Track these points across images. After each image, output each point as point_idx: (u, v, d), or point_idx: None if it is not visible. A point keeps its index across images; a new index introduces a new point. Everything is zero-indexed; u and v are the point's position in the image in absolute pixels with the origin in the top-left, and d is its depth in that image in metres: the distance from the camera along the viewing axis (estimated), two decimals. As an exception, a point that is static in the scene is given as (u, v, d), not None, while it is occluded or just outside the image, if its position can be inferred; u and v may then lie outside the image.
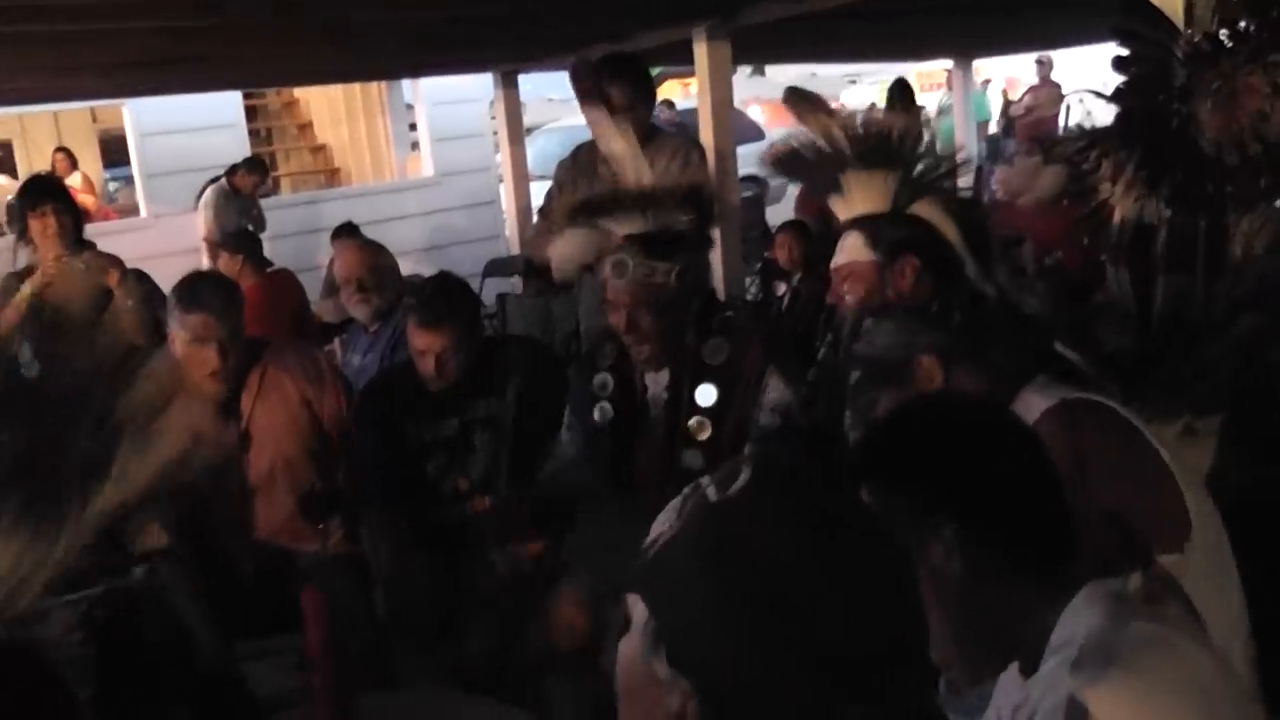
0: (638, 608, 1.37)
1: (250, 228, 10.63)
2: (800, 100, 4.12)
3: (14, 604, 1.09)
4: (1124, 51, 4.09)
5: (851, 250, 3.64)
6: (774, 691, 1.25)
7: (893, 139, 3.74)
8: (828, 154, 3.78)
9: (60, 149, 16.11)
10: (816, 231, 9.29)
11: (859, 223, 3.67)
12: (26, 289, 5.44)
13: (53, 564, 1.11)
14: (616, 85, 5.67)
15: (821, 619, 1.25)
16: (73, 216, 5.91)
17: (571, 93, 6.10)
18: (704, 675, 1.28)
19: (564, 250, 4.10)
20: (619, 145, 4.07)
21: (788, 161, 4.01)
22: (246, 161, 11.60)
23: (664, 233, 3.83)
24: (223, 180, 11.34)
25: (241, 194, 11.35)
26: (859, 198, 3.70)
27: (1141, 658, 1.73)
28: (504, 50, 8.47)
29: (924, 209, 3.68)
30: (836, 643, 1.26)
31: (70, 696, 1.20)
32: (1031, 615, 1.86)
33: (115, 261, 6.04)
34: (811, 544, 1.29)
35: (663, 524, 1.37)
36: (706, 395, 3.80)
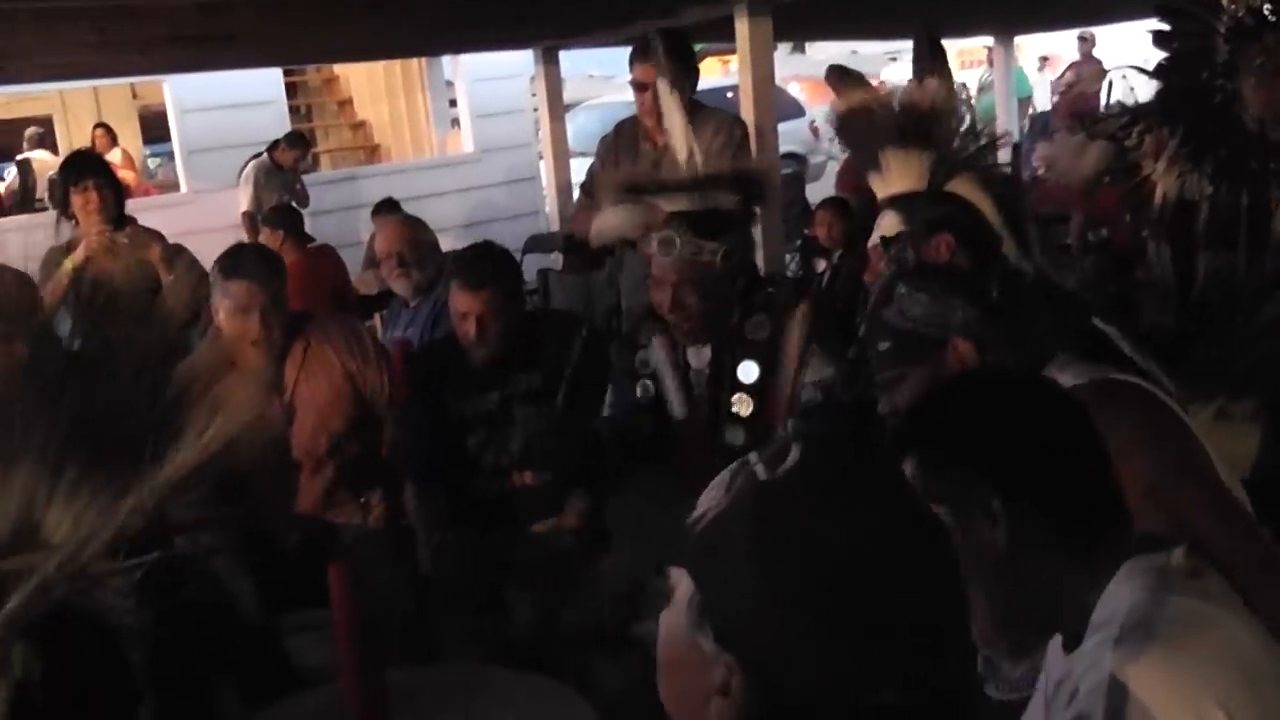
0: (682, 582, 1.37)
1: (293, 203, 10.64)
2: (842, 77, 4.11)
3: (75, 564, 1.10)
4: (1166, 27, 4.07)
5: (888, 229, 3.63)
6: (819, 668, 1.26)
7: (930, 116, 3.72)
8: (873, 130, 3.77)
9: (100, 125, 16.16)
10: (857, 208, 9.27)
11: (896, 201, 3.66)
12: (68, 264, 5.48)
13: (114, 528, 1.11)
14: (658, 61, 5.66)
15: (868, 598, 1.26)
16: (114, 192, 5.93)
17: (613, 69, 6.10)
18: (750, 651, 1.29)
19: (609, 223, 4.10)
20: (676, 121, 4.08)
21: (853, 128, 3.96)
22: (288, 136, 11.58)
23: (712, 212, 3.83)
24: (264, 155, 11.35)
25: (284, 169, 11.35)
26: (897, 176, 3.68)
27: (1183, 634, 1.72)
28: (545, 26, 8.45)
29: (961, 186, 3.66)
30: (882, 621, 1.26)
31: (126, 662, 1.21)
32: (1075, 590, 1.84)
33: (156, 236, 6.08)
34: (860, 524, 1.29)
35: (710, 500, 1.38)
36: (749, 372, 3.81)
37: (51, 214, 6.45)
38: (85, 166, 6.18)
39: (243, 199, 11.07)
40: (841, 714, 1.26)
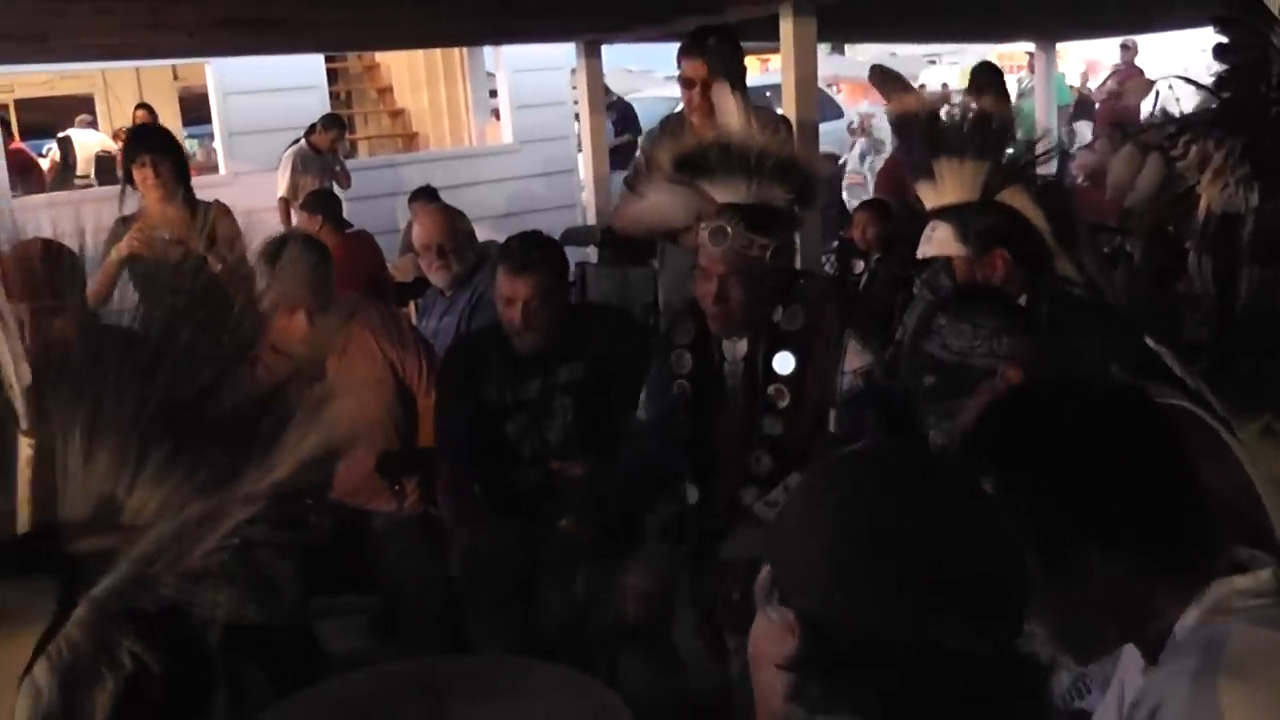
0: (763, 579, 1.43)
1: (334, 185, 10.67)
2: (884, 78, 4.09)
3: (171, 553, 1.10)
4: (1224, 39, 4.04)
5: (941, 242, 3.60)
6: (873, 609, 1.31)
7: (988, 128, 3.70)
8: (926, 137, 3.74)
9: (141, 105, 16.24)
10: (896, 211, 9.24)
11: (948, 213, 3.62)
12: (114, 254, 5.49)
13: (207, 519, 1.11)
14: (704, 58, 5.65)
15: (920, 546, 1.33)
16: (172, 165, 5.91)
17: (649, 65, 6.09)
18: (805, 598, 1.35)
19: (657, 206, 4.10)
20: (735, 117, 4.07)
21: (908, 132, 3.92)
22: (324, 119, 11.58)
23: (766, 206, 3.83)
24: (301, 141, 11.38)
25: (321, 152, 11.37)
26: (950, 186, 3.65)
27: (1269, 660, 1.69)
28: (589, 19, 8.44)
29: (1012, 197, 3.63)
30: (934, 567, 1.32)
31: (207, 650, 1.23)
32: (1158, 609, 1.80)
33: (225, 211, 6.14)
34: (912, 484, 1.38)
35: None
36: (784, 363, 3.80)
37: (92, 189, 6.52)
38: (141, 142, 6.24)
39: (280, 184, 11.10)
40: (900, 654, 1.30)
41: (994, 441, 1.91)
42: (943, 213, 3.64)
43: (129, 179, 5.93)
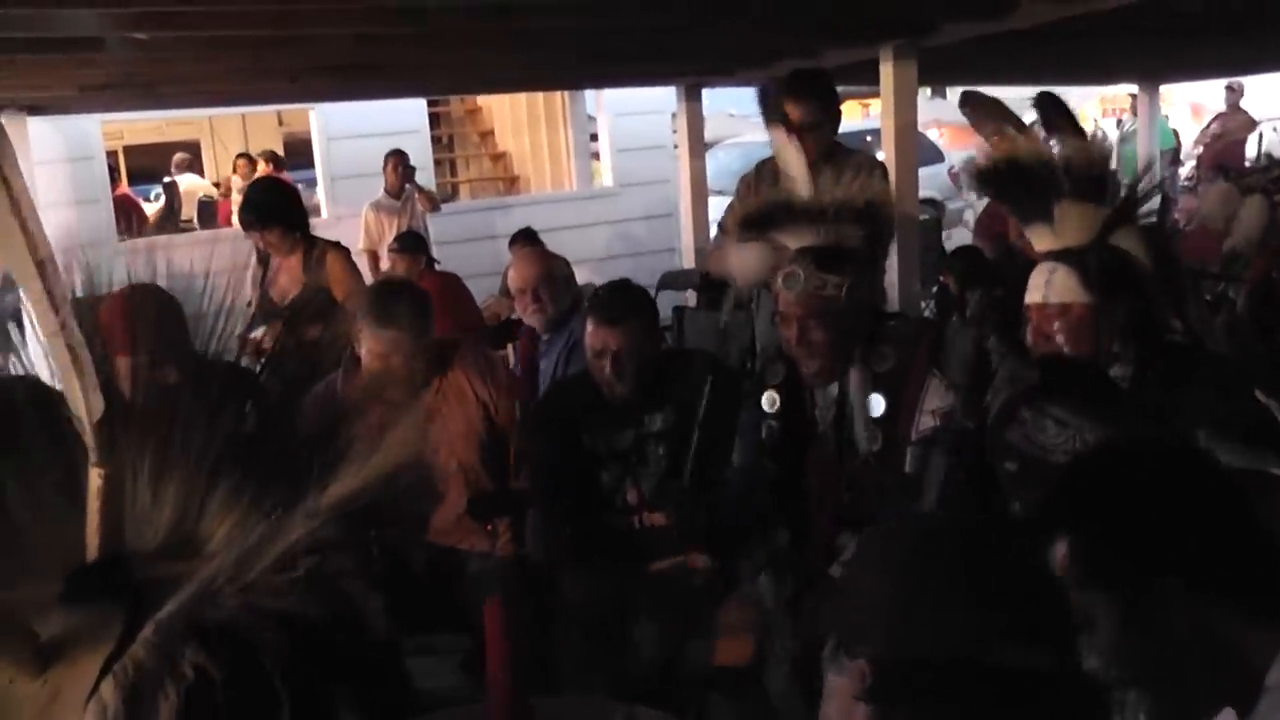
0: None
1: (420, 223, 10.73)
2: (978, 107, 4.04)
3: (236, 577, 1.11)
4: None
5: (1065, 289, 3.49)
6: (936, 636, 1.35)
7: (1103, 169, 3.62)
8: (1039, 178, 3.65)
9: (242, 155, 16.53)
10: (994, 258, 9.17)
11: (1068, 257, 3.52)
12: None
13: (273, 544, 1.12)
14: (802, 102, 5.65)
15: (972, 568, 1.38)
16: (280, 230, 6.28)
17: (752, 109, 6.10)
18: (872, 642, 1.37)
19: (739, 262, 4.12)
20: (795, 165, 4.08)
21: (995, 177, 3.87)
22: (385, 158, 11.63)
23: (835, 246, 3.84)
24: (379, 196, 11.45)
25: (388, 191, 11.43)
26: (1069, 229, 3.56)
27: None
28: (689, 63, 8.48)
29: (1124, 241, 3.55)
30: (988, 585, 1.38)
31: (270, 675, 1.23)
32: (1247, 659, 1.80)
33: (340, 254, 6.45)
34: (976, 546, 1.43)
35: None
36: (876, 405, 3.79)
37: (196, 233, 6.82)
38: (245, 217, 6.57)
39: (360, 240, 11.03)
40: (968, 677, 1.32)
41: (1078, 498, 1.95)
42: (1061, 256, 3.55)
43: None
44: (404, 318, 4.44)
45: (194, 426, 1.17)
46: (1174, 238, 5.40)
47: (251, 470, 1.17)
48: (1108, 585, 1.81)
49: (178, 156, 16.76)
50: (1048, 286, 3.53)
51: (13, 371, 1.33)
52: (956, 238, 13.00)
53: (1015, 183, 3.67)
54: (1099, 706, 1.44)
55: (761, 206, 4.06)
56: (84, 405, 1.15)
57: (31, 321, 1.15)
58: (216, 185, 17.52)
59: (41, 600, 1.12)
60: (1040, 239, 3.64)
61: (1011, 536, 1.47)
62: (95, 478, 1.15)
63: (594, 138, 14.87)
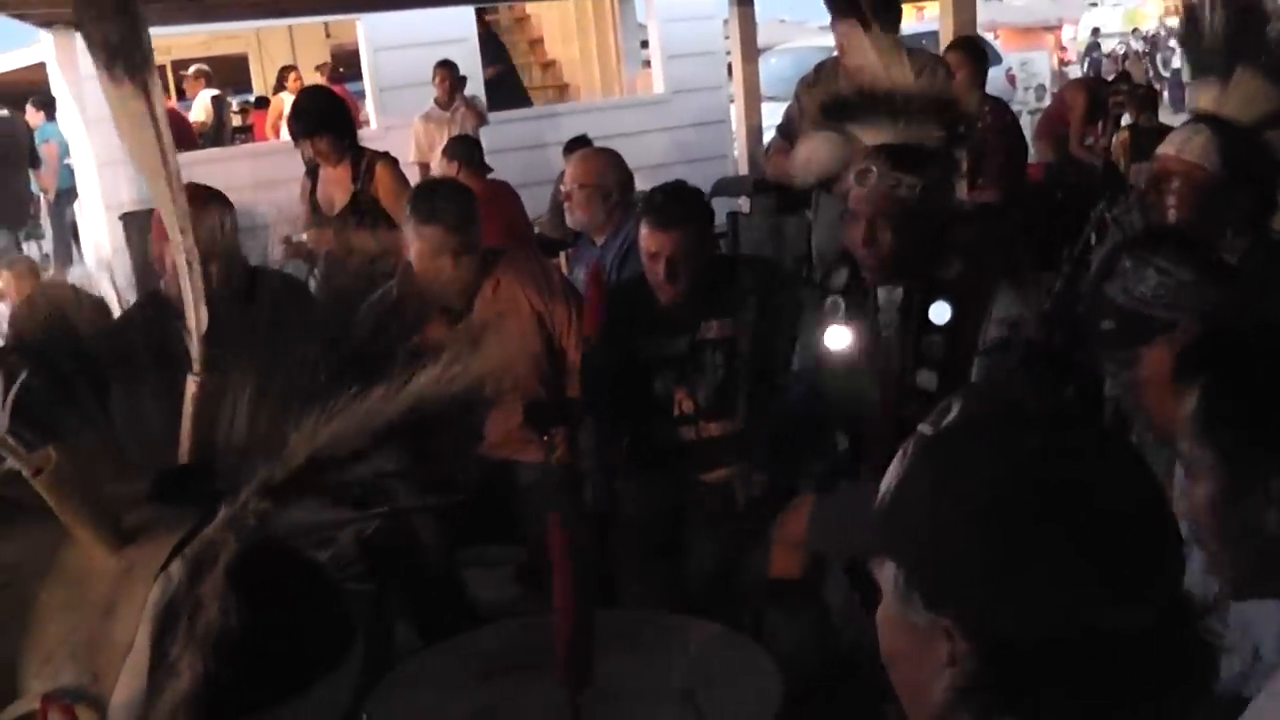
0: (885, 572, 1.35)
1: (470, 130, 10.57)
2: None
3: (307, 478, 1.17)
4: None
5: (1197, 149, 3.37)
6: (1031, 598, 1.23)
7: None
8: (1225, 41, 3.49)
9: (288, 68, 16.42)
10: (1055, 161, 9.03)
11: (1216, 123, 3.39)
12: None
13: (347, 442, 1.17)
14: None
15: (1062, 520, 1.24)
16: (330, 139, 6.33)
17: (804, 14, 5.98)
18: (961, 603, 1.26)
19: (810, 153, 4.01)
20: (874, 56, 3.96)
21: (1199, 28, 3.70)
22: (434, 69, 11.35)
23: (912, 145, 3.72)
24: (429, 107, 11.27)
25: (438, 102, 11.29)
26: (1237, 98, 3.42)
27: None
28: (741, -33, 8.36)
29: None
30: (1083, 539, 1.24)
31: (340, 598, 1.28)
32: None
33: (388, 164, 6.50)
34: (1039, 449, 1.29)
35: (889, 476, 1.38)
36: (940, 312, 3.68)
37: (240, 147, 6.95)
38: (295, 127, 6.61)
39: (410, 153, 10.88)
40: (1070, 647, 1.22)
41: (1220, 343, 1.94)
42: (1213, 121, 3.41)
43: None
44: (447, 215, 4.41)
45: (279, 339, 1.27)
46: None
47: (323, 377, 1.23)
48: (1221, 443, 1.78)
49: (193, 69, 16.58)
50: (1185, 143, 3.41)
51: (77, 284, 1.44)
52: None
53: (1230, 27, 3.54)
54: (1209, 671, 1.36)
55: (839, 95, 3.94)
56: (194, 316, 1.25)
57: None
58: (261, 100, 17.36)
59: (132, 495, 1.20)
60: (1205, 96, 3.52)
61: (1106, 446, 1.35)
62: (192, 384, 1.24)
63: (644, 44, 14.71)
